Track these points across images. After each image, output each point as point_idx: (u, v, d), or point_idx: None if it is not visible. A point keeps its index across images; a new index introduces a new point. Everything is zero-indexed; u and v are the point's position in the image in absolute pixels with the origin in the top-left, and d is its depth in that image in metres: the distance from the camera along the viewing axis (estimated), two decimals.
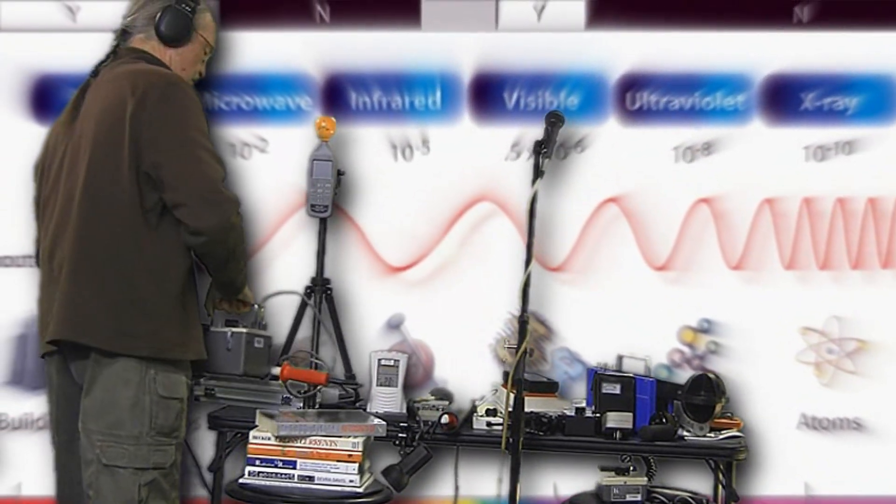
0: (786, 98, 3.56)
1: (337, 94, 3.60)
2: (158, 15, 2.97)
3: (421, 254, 3.59)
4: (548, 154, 3.14)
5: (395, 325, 3.58)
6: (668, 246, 3.56)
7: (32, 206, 3.01)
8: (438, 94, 3.60)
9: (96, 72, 2.96)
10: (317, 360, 3.43)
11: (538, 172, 3.11)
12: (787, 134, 3.56)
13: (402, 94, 3.60)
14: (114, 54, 2.98)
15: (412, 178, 3.60)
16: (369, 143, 3.60)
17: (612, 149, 3.58)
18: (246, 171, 3.55)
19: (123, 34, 3.00)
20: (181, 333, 2.85)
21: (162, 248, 2.80)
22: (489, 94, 3.57)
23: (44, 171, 2.96)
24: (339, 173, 3.50)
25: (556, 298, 3.56)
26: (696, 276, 3.56)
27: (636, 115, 3.58)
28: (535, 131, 3.45)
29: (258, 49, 3.57)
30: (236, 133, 3.58)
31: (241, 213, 2.89)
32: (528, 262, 3.05)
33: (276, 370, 3.28)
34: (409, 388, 3.44)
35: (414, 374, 3.53)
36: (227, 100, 3.60)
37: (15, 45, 3.52)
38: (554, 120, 3.21)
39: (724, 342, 3.55)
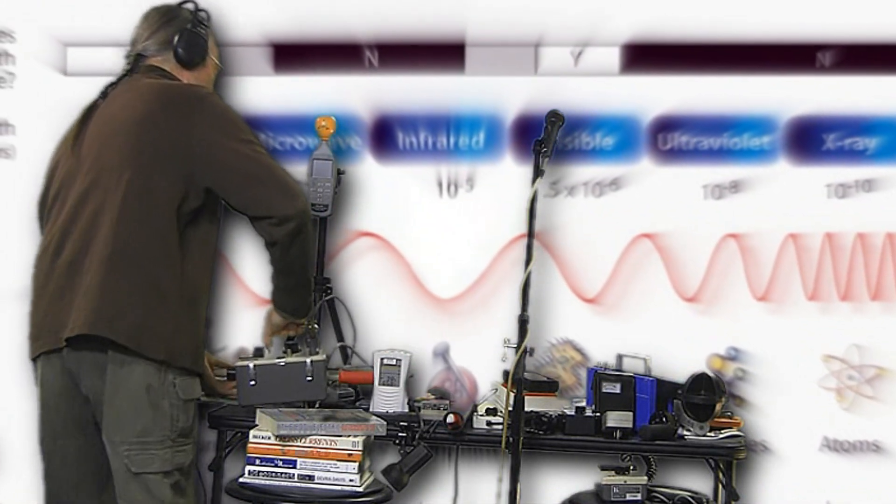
0: (809, 139, 3.63)
1: (385, 135, 3.70)
2: (176, 38, 3.00)
3: (465, 286, 3.68)
4: (547, 153, 3.18)
5: (440, 352, 3.67)
6: (698, 278, 3.64)
7: (37, 211, 3.02)
8: (482, 134, 3.68)
9: (105, 94, 2.98)
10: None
11: (538, 172, 3.15)
12: (811, 173, 3.63)
13: (447, 135, 3.69)
14: (127, 75, 3.00)
15: (457, 215, 3.70)
16: (416, 181, 3.70)
17: (645, 187, 3.66)
18: None
19: (138, 57, 3.02)
20: (191, 342, 2.84)
21: (187, 256, 2.82)
22: (529, 135, 3.58)
23: (51, 179, 2.97)
24: (340, 172, 3.55)
25: (591, 328, 3.66)
26: (723, 307, 3.64)
27: (668, 155, 3.66)
28: (573, 170, 3.67)
29: (311, 92, 3.67)
30: (290, 172, 3.69)
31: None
32: (527, 262, 3.10)
33: (334, 376, 3.35)
34: None
35: (458, 399, 3.61)
36: (282, 140, 3.70)
37: (81, 88, 3.60)
38: (554, 119, 3.25)
39: (751, 369, 3.62)
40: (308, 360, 3.16)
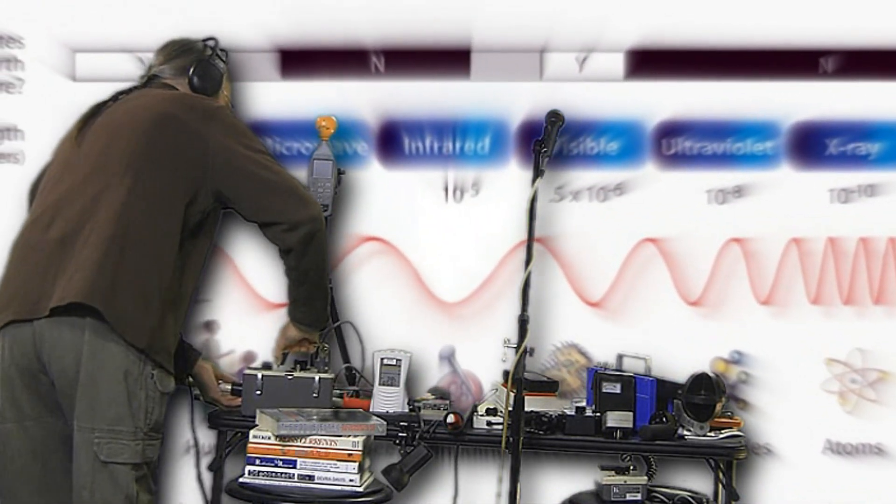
0: (812, 144, 3.65)
1: (391, 140, 3.72)
2: (192, 68, 3.08)
3: (471, 290, 3.70)
4: (547, 153, 3.19)
5: (446, 356, 3.69)
6: (702, 282, 3.66)
7: (28, 193, 3.05)
8: (487, 139, 3.70)
9: (116, 98, 3.02)
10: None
11: (538, 172, 3.16)
12: (813, 178, 3.65)
13: (452, 140, 3.71)
14: (139, 88, 3.05)
15: (462, 219, 3.72)
16: (422, 186, 3.72)
17: (649, 192, 3.68)
18: None
19: (152, 77, 3.09)
20: (169, 343, 2.84)
21: (181, 262, 2.85)
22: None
23: (48, 165, 3.01)
24: (340, 172, 3.56)
25: (595, 331, 3.68)
26: (727, 311, 3.66)
27: (672, 159, 3.68)
28: (578, 175, 3.69)
29: (317, 97, 3.68)
30: (297, 176, 3.69)
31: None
32: (527, 262, 3.11)
33: (338, 400, 3.40)
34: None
35: (464, 402, 3.63)
36: (289, 145, 3.72)
37: (89, 93, 3.63)
38: (553, 119, 3.26)
39: (754, 372, 3.64)
40: (316, 377, 3.23)
